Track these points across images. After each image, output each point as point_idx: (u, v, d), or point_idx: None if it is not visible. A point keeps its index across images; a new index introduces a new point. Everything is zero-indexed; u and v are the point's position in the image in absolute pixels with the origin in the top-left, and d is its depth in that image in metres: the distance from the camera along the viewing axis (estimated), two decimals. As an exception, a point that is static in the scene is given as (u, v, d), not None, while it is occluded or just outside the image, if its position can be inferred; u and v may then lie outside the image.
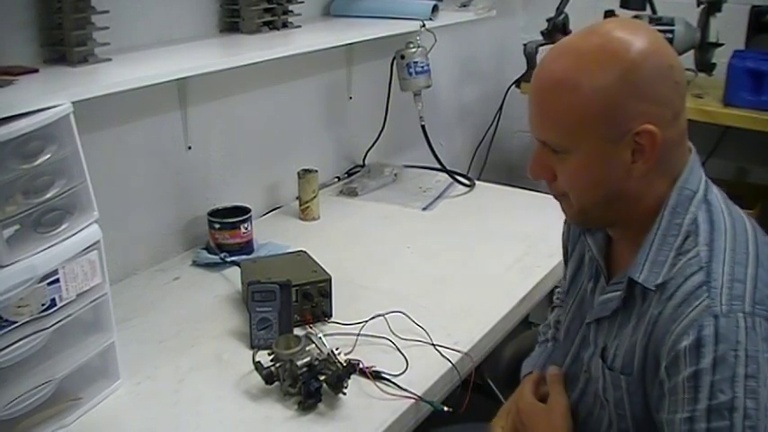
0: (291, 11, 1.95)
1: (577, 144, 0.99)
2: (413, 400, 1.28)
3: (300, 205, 2.05)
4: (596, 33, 0.98)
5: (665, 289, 0.98)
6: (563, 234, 1.32)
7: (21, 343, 1.12)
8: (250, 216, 1.82)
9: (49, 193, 1.16)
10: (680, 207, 1.01)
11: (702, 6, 2.48)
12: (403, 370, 1.34)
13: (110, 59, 1.49)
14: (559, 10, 2.58)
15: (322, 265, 1.58)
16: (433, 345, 1.43)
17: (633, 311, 1.04)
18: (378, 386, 1.30)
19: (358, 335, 1.44)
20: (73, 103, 1.19)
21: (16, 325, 1.11)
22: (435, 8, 2.16)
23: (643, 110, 0.96)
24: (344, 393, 1.27)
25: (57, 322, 1.17)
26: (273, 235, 1.91)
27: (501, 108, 2.89)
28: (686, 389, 0.92)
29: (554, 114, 0.99)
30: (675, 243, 0.99)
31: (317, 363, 1.27)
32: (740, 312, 0.91)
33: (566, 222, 1.30)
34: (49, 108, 1.15)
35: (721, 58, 2.47)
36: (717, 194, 1.04)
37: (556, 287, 1.48)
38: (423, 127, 2.20)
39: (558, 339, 1.35)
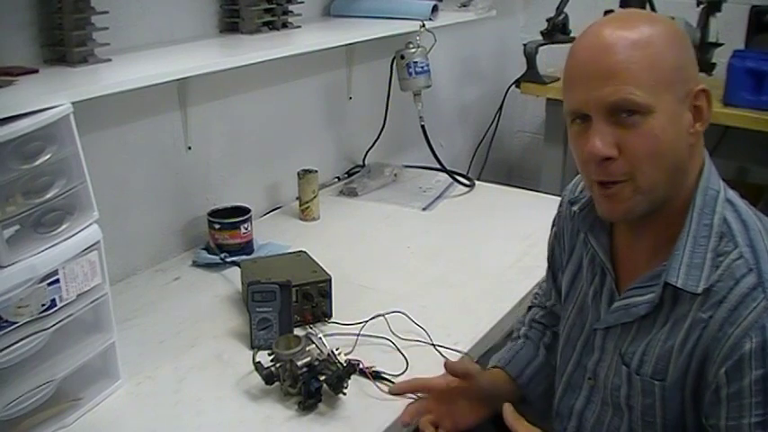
0: (291, 11, 1.95)
1: (659, 101, 0.95)
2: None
3: (300, 205, 2.05)
4: (628, 10, 1.01)
5: (713, 292, 0.96)
6: (550, 239, 1.30)
7: (21, 343, 1.12)
8: (250, 216, 1.82)
9: (49, 193, 1.16)
10: (706, 208, 1.00)
11: (702, 6, 2.48)
12: (403, 370, 1.35)
13: (110, 60, 1.49)
14: (559, 10, 2.58)
15: (322, 266, 1.58)
16: (433, 345, 1.43)
17: (660, 315, 1.02)
18: (378, 386, 1.30)
19: (358, 335, 1.44)
20: (73, 103, 1.19)
21: (16, 325, 1.11)
22: (435, 8, 2.17)
23: (694, 72, 0.99)
24: (344, 393, 1.27)
25: (57, 323, 1.17)
26: (273, 235, 1.91)
27: (501, 108, 2.90)
28: (754, 392, 0.91)
29: (636, 71, 0.95)
30: (710, 245, 0.98)
31: (317, 363, 1.27)
32: None
33: (553, 226, 1.29)
34: (49, 108, 1.15)
35: (721, 57, 2.48)
36: (733, 193, 1.04)
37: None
38: (423, 127, 2.20)
39: (531, 338, 1.35)
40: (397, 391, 1.28)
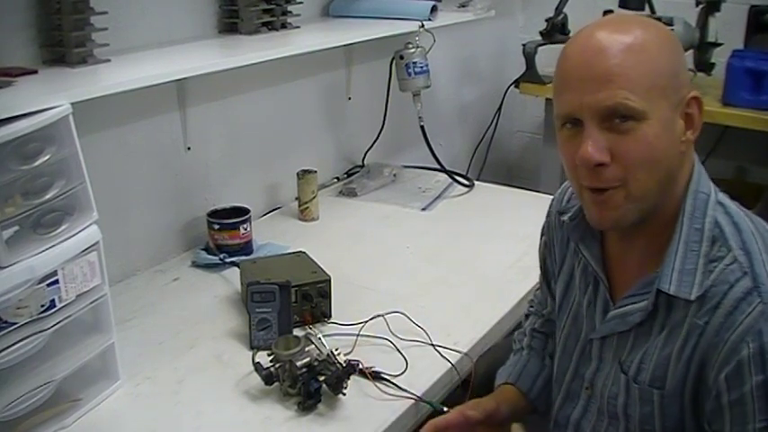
0: (290, 11, 1.95)
1: (653, 107, 0.93)
2: (412, 401, 1.29)
3: (300, 206, 2.05)
4: (619, 15, 0.99)
5: (707, 298, 0.95)
6: (540, 248, 1.28)
7: (20, 344, 1.12)
8: (249, 217, 1.82)
9: (49, 194, 1.16)
10: (697, 212, 0.99)
11: (701, 6, 2.48)
12: (402, 370, 1.35)
13: (109, 60, 1.49)
14: (558, 10, 2.58)
15: (321, 266, 1.58)
16: (432, 345, 1.43)
17: (656, 322, 1.01)
18: (377, 386, 1.30)
19: (357, 335, 1.44)
20: (72, 104, 1.19)
21: (16, 326, 1.11)
22: (434, 8, 2.17)
23: (687, 79, 0.97)
24: (344, 394, 1.27)
25: (56, 323, 1.17)
26: (273, 236, 1.91)
27: (500, 108, 2.90)
28: (756, 398, 0.90)
29: (631, 75, 0.92)
30: (702, 250, 0.97)
31: (316, 363, 1.27)
32: None
33: (543, 236, 1.27)
34: (48, 109, 1.15)
35: (720, 57, 2.48)
36: (723, 195, 1.03)
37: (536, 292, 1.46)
38: (422, 127, 2.20)
39: (535, 348, 1.32)
40: None
